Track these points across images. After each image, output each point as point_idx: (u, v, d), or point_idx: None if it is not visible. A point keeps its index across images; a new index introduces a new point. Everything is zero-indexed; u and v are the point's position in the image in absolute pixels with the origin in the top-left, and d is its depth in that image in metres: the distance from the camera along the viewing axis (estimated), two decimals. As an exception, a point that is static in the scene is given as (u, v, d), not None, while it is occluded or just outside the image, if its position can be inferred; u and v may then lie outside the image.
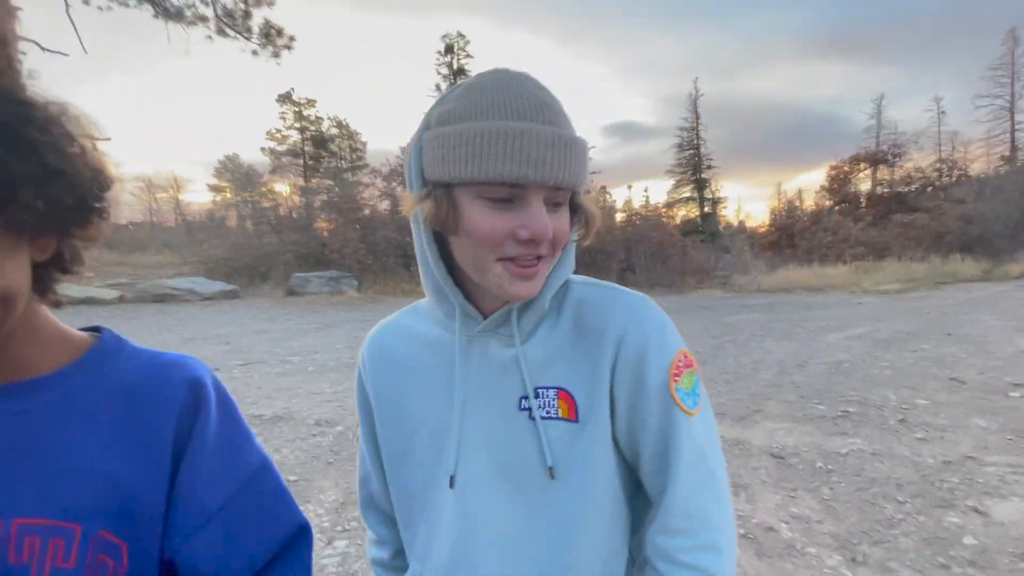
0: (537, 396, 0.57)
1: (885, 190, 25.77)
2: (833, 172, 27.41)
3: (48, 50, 13.99)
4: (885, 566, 2.11)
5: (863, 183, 27.01)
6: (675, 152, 32.32)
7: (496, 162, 0.48)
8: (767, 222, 34.95)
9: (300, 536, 0.54)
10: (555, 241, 0.53)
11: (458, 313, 0.58)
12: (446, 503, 0.60)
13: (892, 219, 21.88)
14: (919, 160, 25.38)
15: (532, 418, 0.57)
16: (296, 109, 28.26)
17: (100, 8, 13.97)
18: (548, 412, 0.57)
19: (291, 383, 4.95)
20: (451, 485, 0.59)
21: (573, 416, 0.57)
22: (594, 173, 29.69)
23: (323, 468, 3.07)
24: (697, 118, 31.77)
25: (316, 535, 2.36)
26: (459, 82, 0.55)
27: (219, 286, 12.52)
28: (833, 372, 5.13)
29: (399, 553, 0.71)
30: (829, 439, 3.44)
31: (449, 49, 25.72)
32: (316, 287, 12.66)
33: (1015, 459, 3.04)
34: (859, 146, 28.09)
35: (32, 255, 0.42)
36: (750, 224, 42.08)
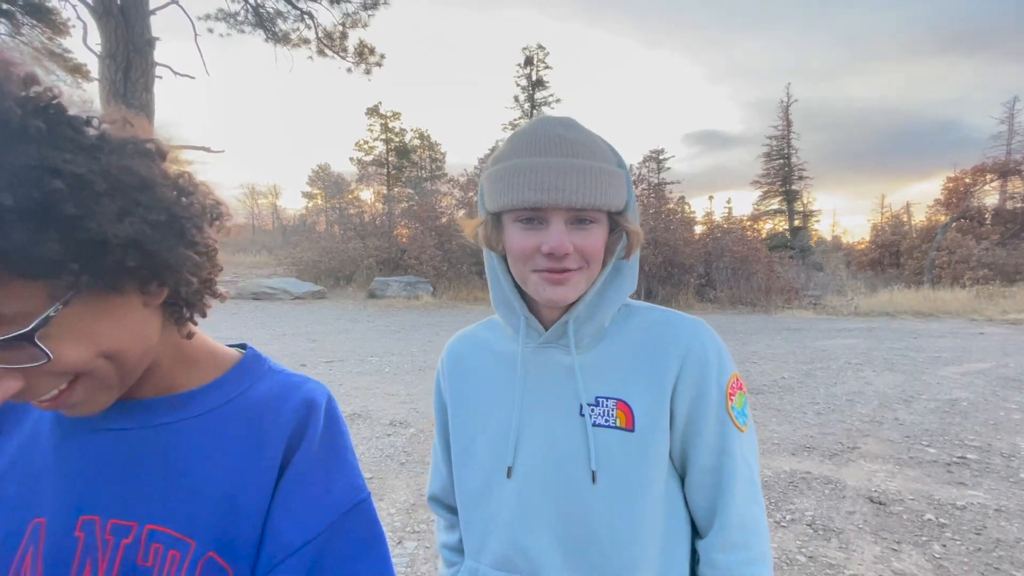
0: (598, 404, 0.63)
1: (1017, 205, 22.58)
2: (951, 184, 24.45)
3: (179, 73, 15.85)
4: (1014, 646, 1.82)
5: (989, 197, 23.86)
6: (763, 161, 30.51)
7: (518, 191, 0.59)
8: (867, 238, 31.90)
9: None
10: (584, 255, 0.61)
11: (523, 324, 0.67)
12: (504, 495, 0.65)
13: (1025, 238, 19.10)
14: (1062, 171, 21.96)
15: (584, 423, 0.63)
16: (383, 121, 29.97)
17: (221, 36, 15.67)
18: (607, 420, 0.63)
19: (369, 383, 5.21)
20: (508, 476, 0.65)
21: (630, 426, 0.62)
22: (674, 183, 28.77)
23: (396, 468, 3.19)
24: (788, 125, 29.80)
25: (388, 534, 2.44)
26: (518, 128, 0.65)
27: (308, 287, 13.49)
28: (948, 411, 4.54)
29: None
30: (942, 488, 3.04)
31: (529, 61, 26.11)
32: (395, 291, 13.27)
33: None
34: (985, 155, 24.87)
35: (147, 302, 0.43)
36: (847, 240, 38.64)
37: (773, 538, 2.48)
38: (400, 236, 17.66)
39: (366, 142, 30.11)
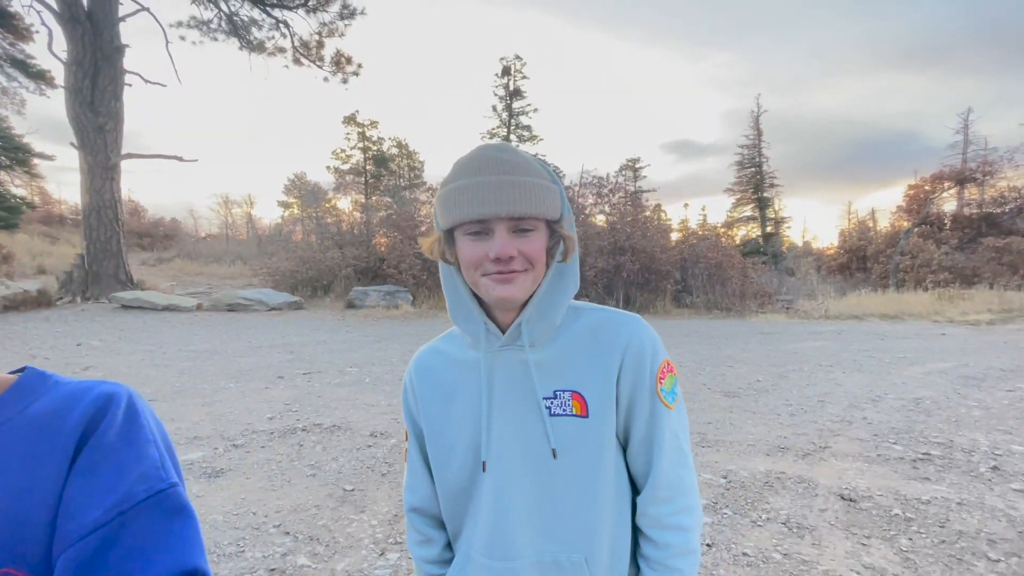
0: (555, 397, 0.72)
1: (974, 211, 23.67)
2: (912, 191, 25.51)
3: (149, 81, 15.49)
4: (975, 632, 1.90)
5: (947, 203, 24.95)
6: (736, 170, 31.31)
7: (464, 207, 0.66)
8: (836, 244, 32.96)
9: None
10: (528, 258, 0.68)
11: (482, 330, 0.73)
12: (483, 488, 0.74)
13: (982, 243, 20.01)
14: (1014, 178, 23.14)
15: (543, 414, 0.72)
16: (360, 130, 29.78)
17: (194, 43, 15.40)
18: (564, 410, 0.72)
19: (348, 394, 5.15)
20: (484, 470, 0.73)
21: (585, 413, 0.72)
22: (650, 191, 29.26)
23: (377, 480, 3.17)
24: (759, 135, 30.68)
25: (369, 545, 2.43)
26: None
27: (285, 297, 13.25)
28: (912, 410, 4.72)
29: (446, 548, 0.83)
30: (908, 484, 3.16)
31: (506, 71, 26.36)
32: (374, 301, 13.14)
33: None
34: (942, 163, 26.04)
35: None
36: (817, 245, 39.81)
37: (749, 537, 2.54)
38: (379, 245, 17.53)
39: (343, 151, 29.87)
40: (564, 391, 0.72)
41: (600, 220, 16.03)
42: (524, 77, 26.44)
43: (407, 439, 0.84)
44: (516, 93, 26.44)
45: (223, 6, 14.61)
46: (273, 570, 2.23)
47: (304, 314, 12.36)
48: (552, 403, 0.72)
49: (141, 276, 15.40)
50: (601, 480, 0.73)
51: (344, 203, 30.78)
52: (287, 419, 4.29)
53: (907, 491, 3.06)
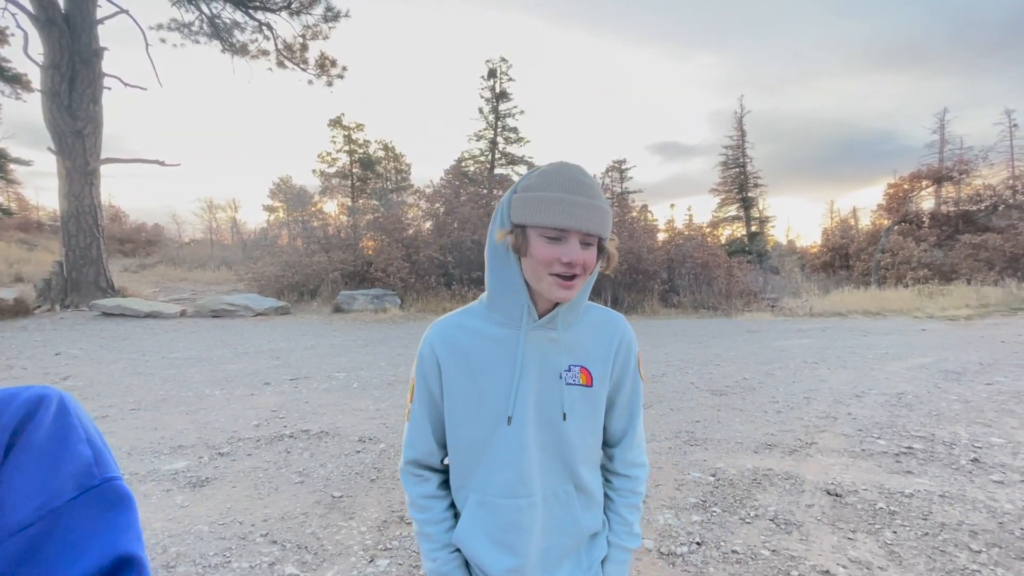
0: (569, 370, 0.91)
1: (951, 209, 24.20)
2: (891, 190, 26.00)
3: (129, 85, 15.21)
4: (958, 622, 1.94)
5: (925, 202, 25.48)
6: (720, 170, 31.65)
7: (553, 215, 0.81)
8: (819, 242, 33.47)
9: (117, 572, 0.46)
10: (585, 267, 0.84)
11: (526, 310, 0.88)
12: (506, 438, 0.89)
13: (960, 240, 20.47)
14: (989, 177, 23.71)
15: (561, 383, 0.90)
16: (346, 133, 29.57)
17: (175, 46, 15.15)
18: (575, 380, 0.91)
19: (336, 399, 5.10)
20: (508, 423, 0.89)
21: (590, 383, 0.92)
22: (637, 192, 29.45)
23: (366, 486, 3.14)
24: (743, 135, 31.07)
25: (359, 552, 2.40)
26: (538, 167, 0.87)
27: (271, 302, 13.09)
28: (895, 404, 4.81)
29: (441, 485, 0.97)
30: (891, 478, 3.22)
31: (492, 73, 26.35)
32: (361, 304, 13.04)
33: (1110, 509, 2.74)
34: (920, 162, 26.62)
35: None
36: (801, 244, 40.39)
37: (739, 534, 2.57)
38: (366, 248, 17.40)
39: (329, 154, 29.61)
40: (576, 365, 0.91)
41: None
42: (510, 79, 26.43)
43: (412, 400, 0.95)
44: (502, 95, 26.42)
45: (204, 8, 14.42)
46: (260, 580, 2.19)
47: (291, 319, 12.23)
48: (566, 374, 0.91)
49: (123, 283, 15.11)
50: (593, 433, 0.95)
51: (330, 206, 30.55)
52: (274, 426, 4.23)
53: (891, 485, 3.11)
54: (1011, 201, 22.16)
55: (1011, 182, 23.06)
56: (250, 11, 14.50)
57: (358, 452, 3.67)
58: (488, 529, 0.90)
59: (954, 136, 26.85)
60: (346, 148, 29.50)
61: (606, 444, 1.02)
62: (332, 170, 29.63)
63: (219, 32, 14.79)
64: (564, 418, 0.90)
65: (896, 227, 23.52)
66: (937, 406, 4.72)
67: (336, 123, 29.39)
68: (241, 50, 15.12)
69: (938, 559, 2.33)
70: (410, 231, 17.01)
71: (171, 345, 8.28)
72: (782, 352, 7.77)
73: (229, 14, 14.58)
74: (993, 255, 18.58)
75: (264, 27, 14.89)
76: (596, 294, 14.03)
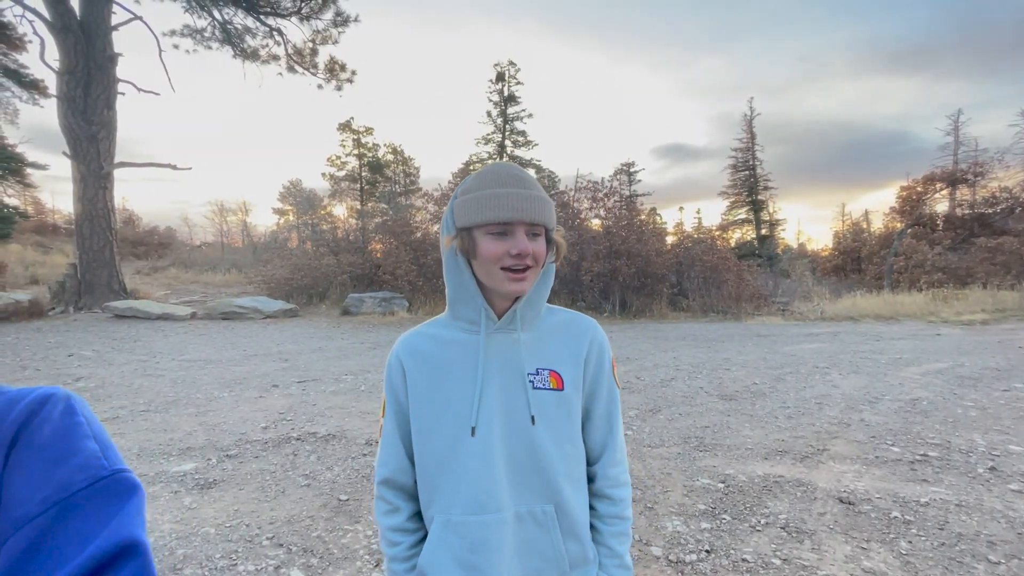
0: (537, 373, 0.87)
1: (966, 212, 23.83)
2: (904, 192, 25.66)
3: (143, 90, 15.44)
4: (977, 636, 1.88)
5: (939, 204, 25.11)
6: (729, 173, 31.45)
7: (493, 211, 0.81)
8: (830, 245, 33.10)
9: (121, 556, 0.46)
10: (535, 257, 0.83)
11: (483, 314, 0.87)
12: (471, 451, 0.84)
13: (975, 243, 20.13)
14: (1005, 179, 23.32)
15: (528, 386, 0.86)
16: (355, 137, 29.79)
17: (187, 52, 15.36)
18: (544, 384, 0.87)
19: (344, 401, 5.10)
20: (472, 434, 0.84)
21: (561, 387, 0.88)
22: (645, 195, 29.34)
23: (372, 489, 3.13)
24: (752, 138, 30.86)
25: (364, 557, 2.39)
26: (472, 171, 0.91)
27: (280, 305, 13.19)
28: (910, 411, 4.72)
29: (413, 517, 0.92)
30: (906, 486, 3.15)
31: (500, 77, 26.43)
32: (370, 307, 13.09)
33: None
34: (934, 165, 26.26)
35: None
36: (812, 247, 39.98)
37: (749, 542, 2.52)
38: (375, 251, 17.48)
39: (338, 157, 29.82)
40: (544, 369, 0.88)
41: (596, 224, 16.05)
42: (518, 83, 26.52)
43: (383, 415, 0.92)
44: (511, 99, 26.49)
45: (216, 14, 14.61)
46: (266, 584, 2.19)
47: (299, 321, 12.30)
48: (535, 378, 0.87)
49: (135, 285, 15.30)
50: (570, 442, 0.89)
51: (340, 210, 30.75)
52: (281, 428, 4.25)
53: (906, 493, 3.04)
54: (1028, 204, 21.74)
55: (1027, 184, 22.62)
56: (261, 16, 14.67)
57: (365, 455, 3.66)
58: (455, 552, 0.84)
59: (968, 138, 26.47)
60: (355, 152, 29.71)
61: (587, 461, 0.94)
62: (341, 173, 29.85)
63: (230, 38, 14.97)
64: (532, 421, 0.85)
65: (909, 230, 23.20)
66: (953, 412, 4.63)
67: (345, 127, 29.60)
68: (252, 55, 15.29)
69: (955, 570, 2.27)
70: (418, 234, 17.07)
71: (181, 347, 8.35)
72: (793, 357, 7.68)
73: (240, 20, 14.76)
74: (1010, 259, 18.25)
75: (274, 32, 15.06)
76: (604, 298, 13.97)
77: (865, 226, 32.71)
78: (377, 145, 30.25)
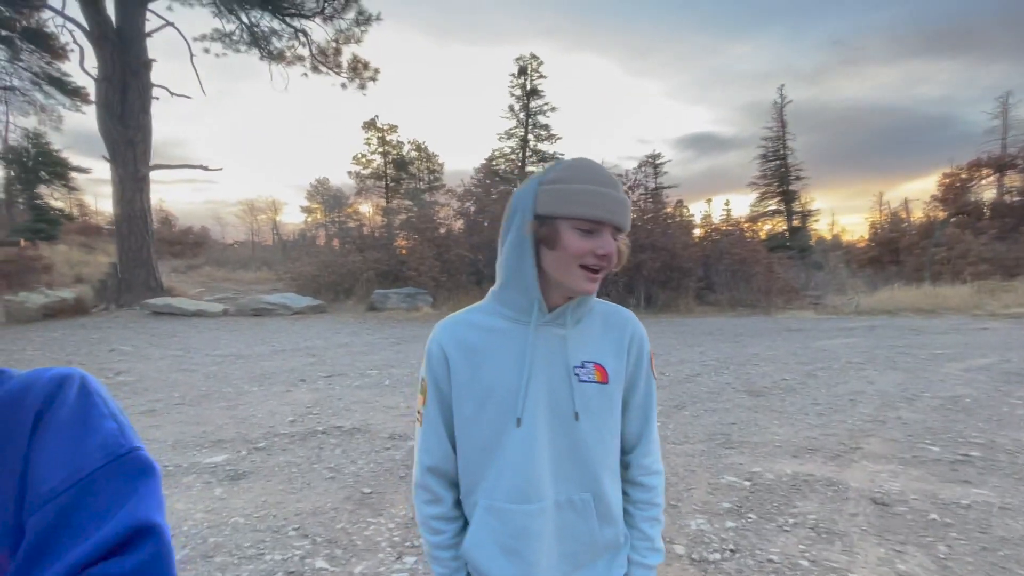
0: (582, 366, 0.87)
1: (1015, 199, 22.58)
2: (947, 180, 24.46)
3: (175, 94, 15.95)
4: (1021, 647, 1.79)
5: (986, 191, 23.87)
6: (759, 163, 30.59)
7: (589, 208, 0.80)
8: (866, 236, 31.86)
9: (136, 537, 0.47)
10: (612, 260, 0.83)
11: (536, 305, 0.86)
12: (515, 440, 0.85)
13: (1024, 232, 19.07)
14: (1058, 163, 21.96)
15: (573, 380, 0.87)
16: (380, 135, 30.16)
17: (217, 56, 15.79)
18: (589, 377, 0.88)
19: (369, 396, 5.19)
20: (518, 425, 0.85)
21: (605, 380, 0.89)
22: (671, 187, 28.82)
23: (395, 483, 3.17)
24: (783, 126, 29.92)
25: (387, 549, 2.42)
26: (560, 161, 0.86)
27: (308, 301, 13.49)
28: (951, 408, 4.51)
29: (452, 506, 0.92)
30: (946, 487, 3.01)
31: (523, 71, 26.31)
32: (395, 303, 13.26)
33: None
34: (980, 150, 24.92)
35: None
36: (846, 239, 38.60)
37: (776, 543, 2.45)
38: (400, 248, 17.70)
39: (364, 155, 30.30)
40: (589, 362, 0.88)
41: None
42: (541, 76, 26.36)
43: (424, 403, 0.91)
44: (533, 92, 26.36)
45: (244, 17, 14.95)
46: (292, 573, 2.24)
47: (327, 317, 12.56)
48: (580, 371, 0.87)
49: (171, 283, 15.88)
50: (611, 434, 0.91)
51: (365, 207, 31.23)
52: (308, 422, 4.34)
53: (945, 494, 2.91)
54: (1084, 189, 20.46)
55: (1084, 169, 21.29)
56: (286, 18, 14.95)
57: (388, 449, 3.71)
58: (497, 536, 0.87)
59: (1018, 121, 25.05)
60: (380, 150, 30.11)
61: (622, 450, 0.97)
62: (367, 171, 30.31)
63: (257, 40, 15.31)
64: (576, 418, 0.86)
65: (953, 219, 22.13)
66: (999, 411, 4.40)
67: (370, 125, 30.04)
68: (278, 56, 15.61)
69: (997, 575, 2.16)
70: (442, 230, 17.19)
71: (214, 342, 8.64)
72: (825, 352, 7.43)
73: (267, 22, 15.08)
74: (1063, 248, 17.22)
75: (299, 33, 15.33)
76: (629, 292, 13.80)
77: (904, 216, 31.36)
78: (401, 143, 30.60)
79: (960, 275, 17.45)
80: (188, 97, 15.06)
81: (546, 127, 26.67)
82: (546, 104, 26.51)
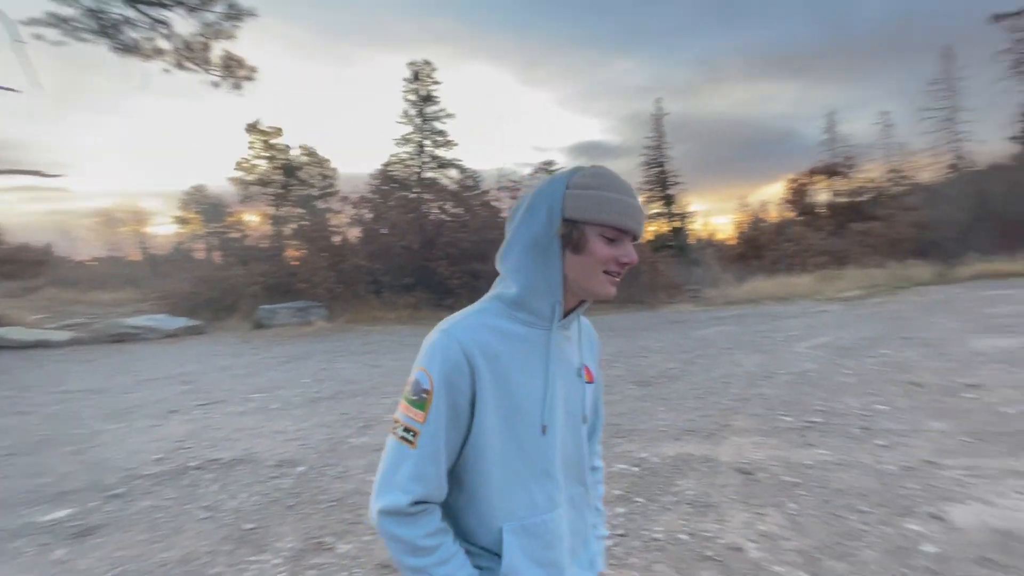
0: (581, 369, 0.91)
1: (842, 200, 26.84)
2: (792, 185, 28.46)
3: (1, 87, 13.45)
4: (850, 581, 2.10)
5: (821, 194, 28.11)
6: (643, 170, 33.14)
7: (618, 217, 0.82)
8: (734, 235, 35.92)
9: None
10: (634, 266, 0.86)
11: (557, 309, 0.85)
12: (539, 450, 0.83)
13: (850, 228, 22.73)
14: (871, 171, 26.59)
15: (581, 381, 0.91)
16: (264, 138, 27.97)
17: (53, 43, 13.61)
18: (584, 379, 0.92)
19: (253, 422, 4.76)
20: (543, 433, 0.83)
21: (592, 380, 0.96)
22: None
23: (282, 513, 2.93)
24: (661, 136, 32.74)
25: (270, 589, 2.23)
26: (581, 167, 0.86)
27: (182, 322, 12.09)
28: (799, 382, 5.21)
29: (443, 515, 0.83)
30: (795, 451, 3.47)
31: (416, 76, 25.95)
32: (284, 318, 12.35)
33: (971, 461, 3.12)
34: (815, 159, 29.35)
35: None
36: (719, 237, 43.16)
37: (660, 521, 2.65)
38: (291, 259, 16.52)
39: (247, 160, 27.86)
40: (582, 365, 0.92)
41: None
42: (435, 82, 26.18)
43: (424, 419, 0.77)
44: (428, 99, 26.10)
45: (86, 1, 13.02)
46: (153, 634, 1.97)
47: (205, 339, 11.34)
48: (582, 373, 0.92)
49: (2, 310, 13.32)
50: (592, 431, 1.01)
51: (252, 216, 28.73)
52: (179, 458, 3.87)
53: (795, 458, 3.35)
54: (890, 192, 24.93)
55: (889, 175, 25.97)
56: (140, 7, 13.27)
57: (275, 478, 3.43)
58: (531, 553, 0.83)
59: (842, 135, 29.84)
60: (266, 154, 27.90)
61: None
62: (251, 178, 27.92)
63: (105, 28, 13.42)
64: (584, 420, 0.92)
65: (799, 218, 25.73)
66: (834, 380, 5.18)
67: (253, 128, 27.73)
68: (133, 49, 13.81)
69: (833, 524, 2.52)
70: (337, 239, 16.35)
71: (59, 377, 7.38)
72: (703, 340, 8.22)
73: (118, 9, 13.27)
74: (878, 240, 20.80)
75: (159, 24, 13.70)
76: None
77: (763, 216, 35.84)
78: (288, 146, 28.65)
79: (805, 266, 20.32)
80: (17, 91, 12.77)
81: (442, 133, 26.57)
82: (441, 110, 26.40)
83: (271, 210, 26.41)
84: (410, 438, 0.77)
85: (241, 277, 14.67)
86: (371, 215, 16.73)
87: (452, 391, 0.77)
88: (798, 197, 27.52)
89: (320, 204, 25.75)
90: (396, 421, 0.80)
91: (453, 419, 0.78)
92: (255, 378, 6.78)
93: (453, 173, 24.34)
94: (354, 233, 17.15)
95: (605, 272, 0.83)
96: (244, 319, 13.13)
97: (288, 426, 4.58)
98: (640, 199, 0.88)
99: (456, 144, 25.63)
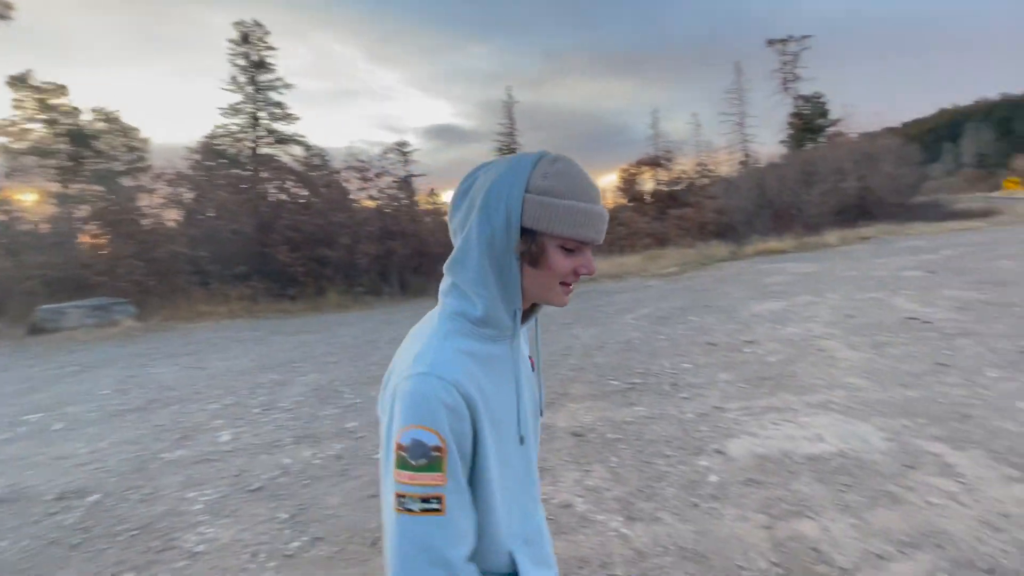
0: (530, 360, 0.91)
1: (663, 189, 30.87)
2: (624, 175, 31.86)
3: None
4: (654, 516, 2.46)
5: (648, 184, 32.00)
6: (496, 155, 34.05)
7: (582, 229, 0.76)
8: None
9: None
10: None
11: (518, 317, 0.81)
12: (520, 460, 0.82)
13: (669, 213, 26.28)
14: (685, 164, 31.03)
15: (536, 375, 0.90)
16: (39, 97, 22.30)
17: None
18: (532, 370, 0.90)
19: (23, 450, 3.84)
20: (521, 443, 0.82)
21: (534, 367, 0.91)
22: (422, 175, 29.55)
23: (64, 555, 2.43)
24: (512, 123, 33.91)
25: (42, 648, 1.84)
26: (549, 157, 0.79)
27: (-87, 332, 9.20)
28: (626, 349, 5.90)
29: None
30: (619, 411, 3.92)
31: (245, 38, 22.91)
32: (76, 320, 10.15)
33: (745, 403, 3.85)
34: (642, 152, 33.19)
35: None
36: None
37: (501, 491, 2.79)
38: (85, 247, 13.57)
39: (14, 123, 21.89)
40: (527, 355, 0.91)
41: (371, 204, 15.53)
42: (269, 47, 23.41)
43: (444, 481, 0.69)
44: (261, 65, 23.25)
45: None
46: None
47: (-47, 352, 8.79)
48: (532, 366, 0.90)
49: None
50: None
51: (27, 195, 22.80)
52: (-98, 510, 2.96)
53: (618, 417, 3.79)
54: (698, 183, 29.38)
55: (698, 168, 30.55)
56: None
57: (54, 514, 2.82)
58: (535, 558, 0.85)
59: (663, 132, 34.19)
60: (43, 116, 22.24)
61: None
62: (22, 146, 22.07)
63: None
64: (542, 413, 0.92)
65: (630, 204, 28.92)
66: (653, 346, 5.96)
67: (20, 82, 21.88)
68: None
69: (645, 470, 2.92)
70: (147, 222, 13.84)
71: None
72: (546, 316, 8.81)
73: None
74: (689, 224, 24.41)
75: None
76: (384, 280, 13.72)
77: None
78: (77, 109, 23.30)
79: (635, 247, 23.01)
80: None
81: (280, 105, 23.97)
82: (278, 79, 23.77)
83: (55, 187, 21.36)
84: (435, 506, 0.69)
85: (10, 271, 11.65)
86: (192, 195, 14.49)
87: (459, 439, 0.71)
88: (628, 186, 30.88)
89: (127, 181, 21.60)
90: (401, 496, 0.69)
91: (465, 468, 0.74)
92: (31, 395, 5.47)
93: (296, 150, 22.23)
94: (171, 216, 14.72)
95: (563, 283, 0.80)
96: (15, 323, 10.48)
97: (77, 449, 3.79)
98: (602, 200, 0.83)
99: (298, 119, 23.41)
